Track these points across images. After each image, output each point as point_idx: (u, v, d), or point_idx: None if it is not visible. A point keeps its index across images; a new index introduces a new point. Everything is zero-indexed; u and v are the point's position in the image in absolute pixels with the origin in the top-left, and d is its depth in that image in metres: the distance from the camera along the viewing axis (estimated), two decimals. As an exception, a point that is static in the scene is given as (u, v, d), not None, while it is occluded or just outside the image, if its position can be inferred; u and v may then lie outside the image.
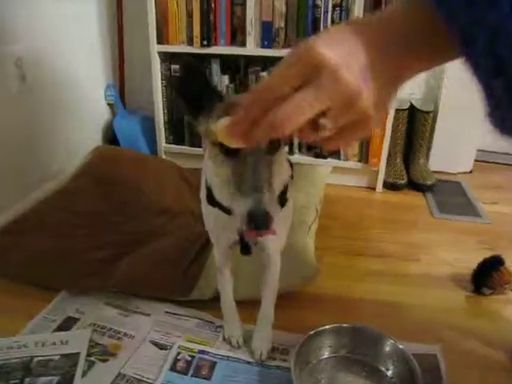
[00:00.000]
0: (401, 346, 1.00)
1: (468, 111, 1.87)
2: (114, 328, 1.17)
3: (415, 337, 1.13)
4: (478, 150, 2.25)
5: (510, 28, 0.35)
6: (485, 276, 1.32)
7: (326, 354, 1.06)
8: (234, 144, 0.59)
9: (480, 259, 1.37)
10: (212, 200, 0.87)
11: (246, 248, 0.92)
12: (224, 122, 0.57)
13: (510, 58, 0.36)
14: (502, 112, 0.41)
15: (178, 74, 0.68)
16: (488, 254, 1.37)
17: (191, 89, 0.69)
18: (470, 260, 1.41)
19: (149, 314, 1.23)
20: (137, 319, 1.21)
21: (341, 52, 0.42)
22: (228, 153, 0.68)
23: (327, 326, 1.05)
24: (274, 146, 0.70)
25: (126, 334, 1.15)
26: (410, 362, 0.96)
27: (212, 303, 1.20)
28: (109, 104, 2.29)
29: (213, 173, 0.83)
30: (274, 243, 0.97)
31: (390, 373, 1.01)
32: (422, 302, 1.32)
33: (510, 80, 0.37)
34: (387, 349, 1.02)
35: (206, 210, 0.94)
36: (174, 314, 1.23)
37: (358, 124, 0.46)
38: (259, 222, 0.62)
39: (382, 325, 1.08)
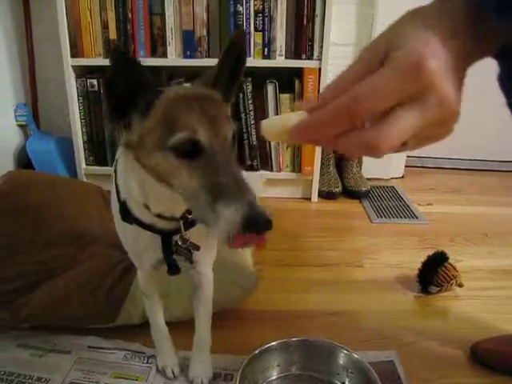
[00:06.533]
0: (356, 356, 0.91)
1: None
2: (24, 373, 0.98)
3: (369, 345, 1.06)
4: (408, 156, 2.27)
5: None
6: (431, 273, 1.28)
7: (274, 374, 0.95)
8: (285, 141, 0.48)
9: (423, 259, 1.32)
10: (128, 216, 0.75)
11: (173, 267, 0.82)
12: (291, 118, 0.44)
13: None
14: None
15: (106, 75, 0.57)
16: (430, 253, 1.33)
17: (124, 83, 0.59)
18: (414, 261, 1.37)
19: (69, 352, 1.06)
20: (54, 359, 1.04)
21: (444, 66, 0.38)
22: (185, 155, 0.59)
23: (273, 343, 0.94)
24: None
25: (39, 379, 0.97)
26: (367, 371, 0.87)
27: (141, 330, 1.06)
28: (20, 125, 2.08)
29: (137, 184, 0.70)
30: (204, 257, 0.86)
31: (346, 387, 0.92)
32: (371, 308, 1.25)
33: None
34: (341, 361, 0.93)
35: (122, 228, 0.82)
36: (98, 348, 1.07)
37: (442, 133, 0.43)
38: (262, 224, 0.55)
39: (332, 337, 0.99)
